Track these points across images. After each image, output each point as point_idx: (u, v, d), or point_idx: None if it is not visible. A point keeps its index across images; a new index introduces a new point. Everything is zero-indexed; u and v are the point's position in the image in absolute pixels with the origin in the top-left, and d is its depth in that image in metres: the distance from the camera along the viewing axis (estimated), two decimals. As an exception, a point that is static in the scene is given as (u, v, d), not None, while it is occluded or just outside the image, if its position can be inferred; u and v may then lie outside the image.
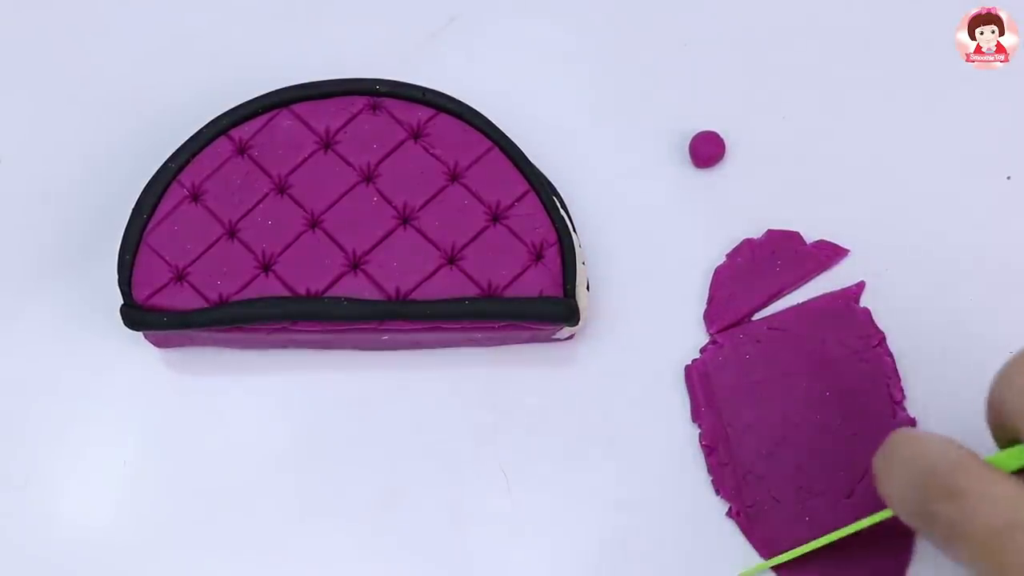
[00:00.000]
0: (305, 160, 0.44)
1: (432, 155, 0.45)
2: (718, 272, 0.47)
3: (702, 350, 0.46)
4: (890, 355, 0.45)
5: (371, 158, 0.44)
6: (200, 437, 0.46)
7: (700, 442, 0.45)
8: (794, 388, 0.45)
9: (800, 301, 0.47)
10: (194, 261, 0.43)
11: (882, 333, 0.46)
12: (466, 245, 0.44)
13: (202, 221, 0.44)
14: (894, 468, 0.35)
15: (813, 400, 0.45)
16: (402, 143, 0.45)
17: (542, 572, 0.44)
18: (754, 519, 0.44)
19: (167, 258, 0.43)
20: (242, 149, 0.45)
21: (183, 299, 0.43)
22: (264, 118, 0.45)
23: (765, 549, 0.44)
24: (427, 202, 0.44)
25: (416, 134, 0.45)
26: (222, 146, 0.45)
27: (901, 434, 0.36)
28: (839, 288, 0.47)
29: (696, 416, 0.45)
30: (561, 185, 0.46)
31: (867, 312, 0.46)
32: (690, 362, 0.46)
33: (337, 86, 0.45)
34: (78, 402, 0.46)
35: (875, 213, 0.48)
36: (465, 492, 0.45)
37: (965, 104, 0.50)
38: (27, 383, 0.46)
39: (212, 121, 0.45)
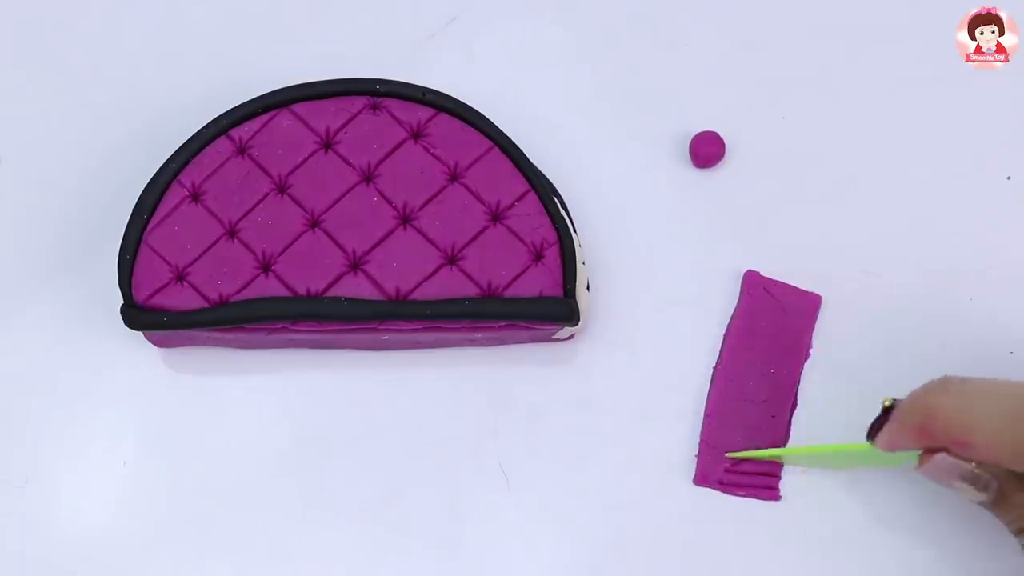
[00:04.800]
0: (305, 160, 0.44)
1: (432, 155, 0.45)
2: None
3: None
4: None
5: (371, 158, 0.44)
6: (200, 437, 0.46)
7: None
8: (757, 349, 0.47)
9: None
10: (194, 261, 0.43)
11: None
12: (466, 245, 0.44)
13: (202, 221, 0.44)
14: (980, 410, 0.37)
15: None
16: (402, 143, 0.45)
17: (541, 570, 0.44)
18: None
19: (167, 258, 0.43)
20: (242, 149, 0.45)
21: (183, 299, 0.43)
22: (264, 118, 0.45)
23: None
24: (427, 202, 0.44)
25: (416, 134, 0.45)
26: (222, 146, 0.45)
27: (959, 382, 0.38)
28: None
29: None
30: (561, 185, 0.46)
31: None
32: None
33: (337, 86, 0.45)
34: (78, 402, 0.46)
35: (875, 213, 0.48)
36: (465, 491, 0.45)
37: (965, 104, 0.50)
38: (27, 383, 0.46)
39: (212, 121, 0.45)
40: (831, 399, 0.46)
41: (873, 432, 0.40)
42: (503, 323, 0.43)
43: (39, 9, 0.52)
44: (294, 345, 0.46)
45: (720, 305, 0.47)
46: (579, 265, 0.44)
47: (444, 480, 0.45)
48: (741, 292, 0.47)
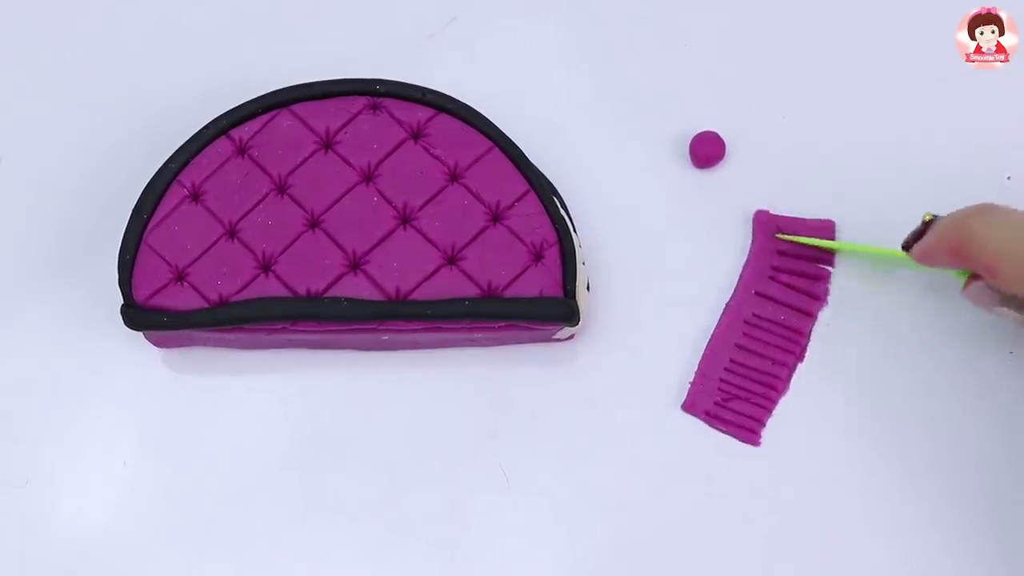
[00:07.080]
0: (305, 160, 0.44)
1: (432, 155, 0.45)
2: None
3: None
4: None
5: (371, 158, 0.44)
6: (200, 437, 0.46)
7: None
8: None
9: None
10: (194, 261, 0.43)
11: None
12: (466, 245, 0.44)
13: (202, 221, 0.44)
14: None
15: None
16: (402, 143, 0.45)
17: (542, 570, 0.44)
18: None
19: (167, 258, 0.43)
20: (242, 149, 0.45)
21: (183, 299, 0.43)
22: (264, 118, 0.45)
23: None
24: (427, 202, 0.44)
25: (416, 134, 0.45)
26: (222, 146, 0.45)
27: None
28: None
29: None
30: (561, 185, 0.46)
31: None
32: None
33: (337, 86, 0.45)
34: (78, 402, 0.46)
35: (875, 213, 0.48)
36: (465, 491, 0.45)
37: (965, 104, 0.50)
38: (27, 383, 0.46)
39: (212, 121, 0.45)
40: (830, 394, 0.46)
41: (909, 243, 0.41)
42: (503, 323, 0.43)
43: (39, 9, 0.52)
44: (294, 345, 0.46)
45: (720, 305, 0.47)
46: (579, 265, 0.44)
47: (444, 480, 0.45)
48: (753, 235, 0.47)
